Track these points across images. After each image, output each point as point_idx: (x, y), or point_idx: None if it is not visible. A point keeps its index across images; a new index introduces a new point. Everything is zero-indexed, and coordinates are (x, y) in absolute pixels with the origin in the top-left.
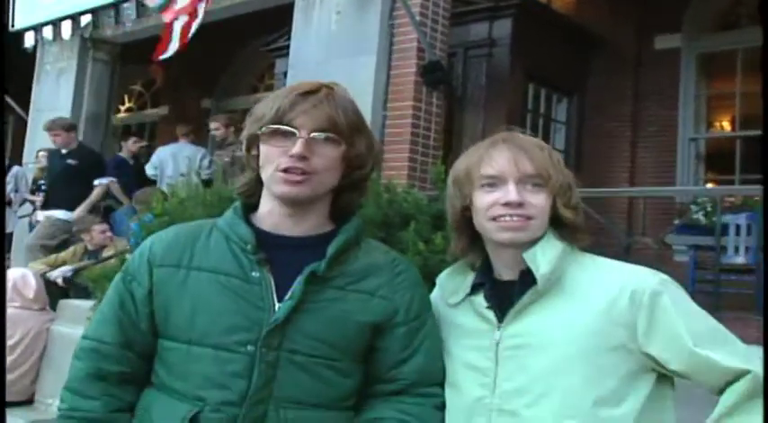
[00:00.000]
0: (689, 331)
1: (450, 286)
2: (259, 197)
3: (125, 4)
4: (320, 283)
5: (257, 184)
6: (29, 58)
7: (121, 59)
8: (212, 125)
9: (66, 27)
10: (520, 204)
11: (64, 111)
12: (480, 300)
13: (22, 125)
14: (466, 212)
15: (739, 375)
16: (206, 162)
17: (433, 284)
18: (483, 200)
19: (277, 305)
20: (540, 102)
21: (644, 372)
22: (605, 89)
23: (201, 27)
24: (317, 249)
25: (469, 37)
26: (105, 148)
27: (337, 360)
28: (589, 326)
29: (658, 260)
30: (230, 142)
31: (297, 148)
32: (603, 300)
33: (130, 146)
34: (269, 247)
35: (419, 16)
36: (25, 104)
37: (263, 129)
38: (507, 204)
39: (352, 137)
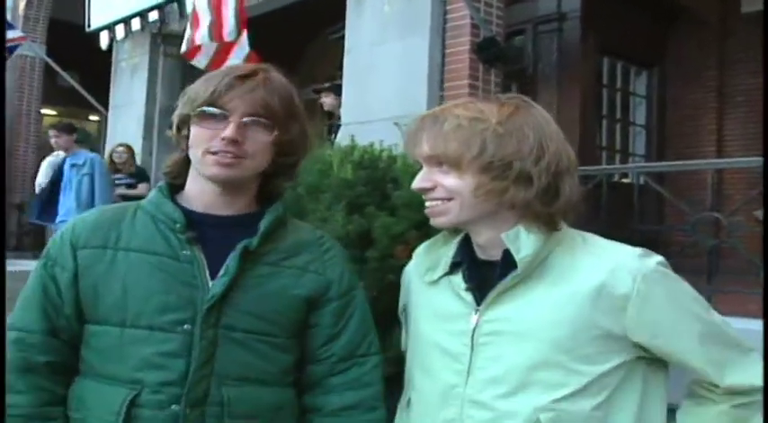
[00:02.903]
0: (680, 327)
1: (428, 262)
2: (185, 177)
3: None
4: (253, 259)
5: (184, 164)
6: (106, 57)
7: None
8: None
9: (136, 24)
10: (423, 190)
11: (139, 106)
12: (459, 280)
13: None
14: None
15: (736, 389)
16: None
17: None
18: None
19: (210, 283)
20: (617, 76)
21: (632, 360)
22: (687, 59)
23: (275, 17)
24: (247, 228)
25: (538, 12)
26: None
27: (275, 335)
28: (573, 314)
29: (750, 239)
30: None
31: (229, 131)
32: (590, 285)
33: None
34: (197, 226)
35: None
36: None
37: (197, 110)
38: (419, 190)
39: (287, 123)
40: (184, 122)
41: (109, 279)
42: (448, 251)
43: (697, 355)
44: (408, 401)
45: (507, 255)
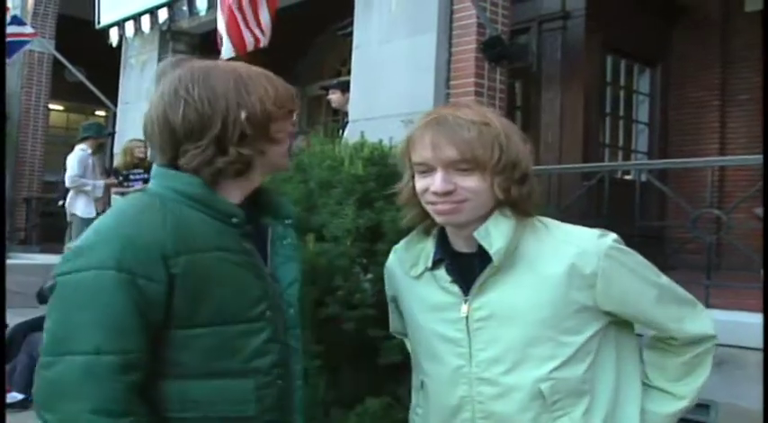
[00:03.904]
0: (641, 294)
1: (409, 258)
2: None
3: None
4: None
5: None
6: (113, 53)
7: (201, 50)
8: None
9: (146, 21)
10: (447, 193)
11: (148, 102)
12: (443, 274)
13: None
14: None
15: (694, 339)
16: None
17: None
18: (418, 184)
19: (267, 269)
20: (621, 74)
21: (607, 324)
22: (691, 57)
23: (282, 10)
24: (252, 212)
25: (542, 10)
26: None
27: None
28: (552, 295)
29: (750, 236)
30: None
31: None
32: (562, 268)
33: None
34: None
35: None
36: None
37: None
38: (435, 193)
39: None
40: (269, 119)
41: (207, 283)
42: (426, 247)
43: (659, 314)
44: (422, 383)
45: (481, 247)
